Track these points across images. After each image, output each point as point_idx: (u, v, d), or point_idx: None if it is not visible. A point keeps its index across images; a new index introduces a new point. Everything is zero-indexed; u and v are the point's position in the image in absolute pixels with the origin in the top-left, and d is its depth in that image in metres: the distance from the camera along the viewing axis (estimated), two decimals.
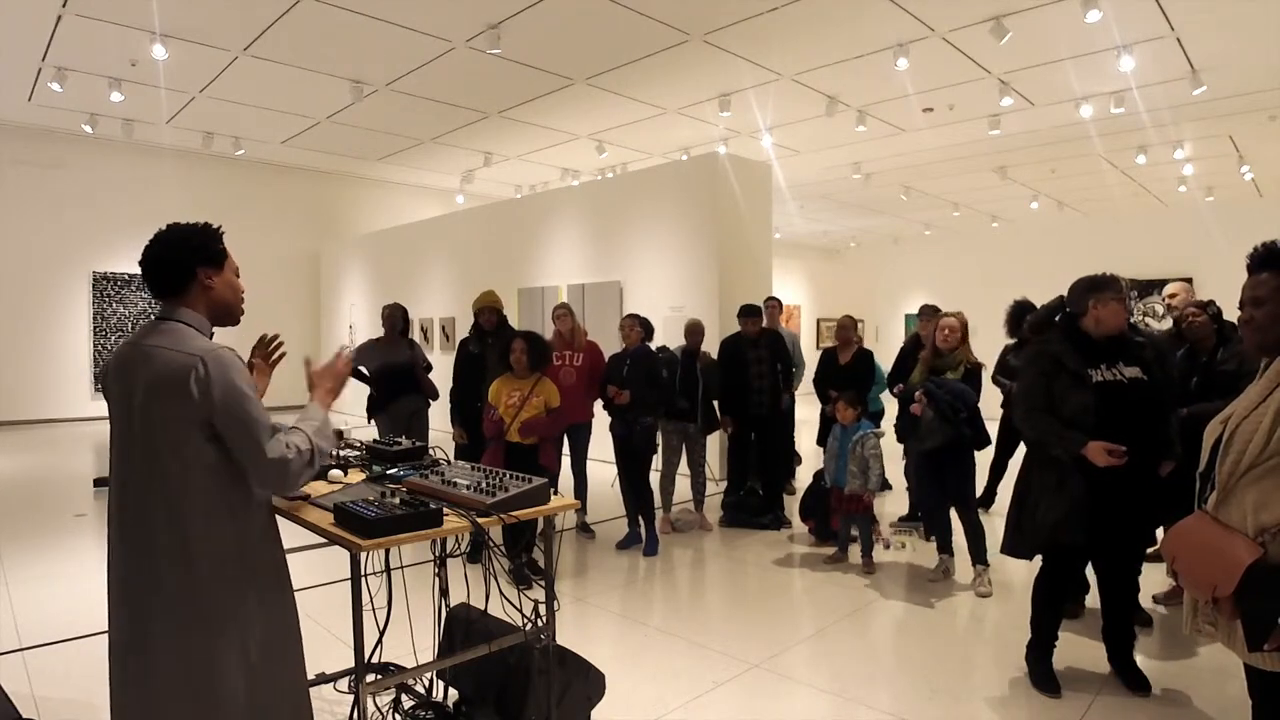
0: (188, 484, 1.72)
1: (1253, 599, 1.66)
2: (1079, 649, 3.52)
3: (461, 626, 2.82)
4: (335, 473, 2.55)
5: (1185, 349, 4.09)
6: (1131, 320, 3.61)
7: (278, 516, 2.26)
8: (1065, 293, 4.05)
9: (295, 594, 1.97)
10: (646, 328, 5.50)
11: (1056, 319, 4.20)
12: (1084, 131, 10.31)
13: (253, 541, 1.82)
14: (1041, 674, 3.19)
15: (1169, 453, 3.09)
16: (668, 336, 6.86)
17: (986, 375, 4.84)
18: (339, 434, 3.21)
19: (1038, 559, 3.26)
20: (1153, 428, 3.03)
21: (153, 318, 1.87)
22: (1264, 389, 1.81)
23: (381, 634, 2.52)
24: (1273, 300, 1.85)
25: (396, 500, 2.13)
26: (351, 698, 2.38)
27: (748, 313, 5.98)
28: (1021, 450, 5.97)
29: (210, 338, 1.86)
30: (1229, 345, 3.86)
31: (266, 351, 2.26)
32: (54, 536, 5.51)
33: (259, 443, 1.71)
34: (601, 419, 5.52)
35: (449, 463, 2.84)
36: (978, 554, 4.43)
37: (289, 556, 3.13)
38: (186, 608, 1.73)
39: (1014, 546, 3.29)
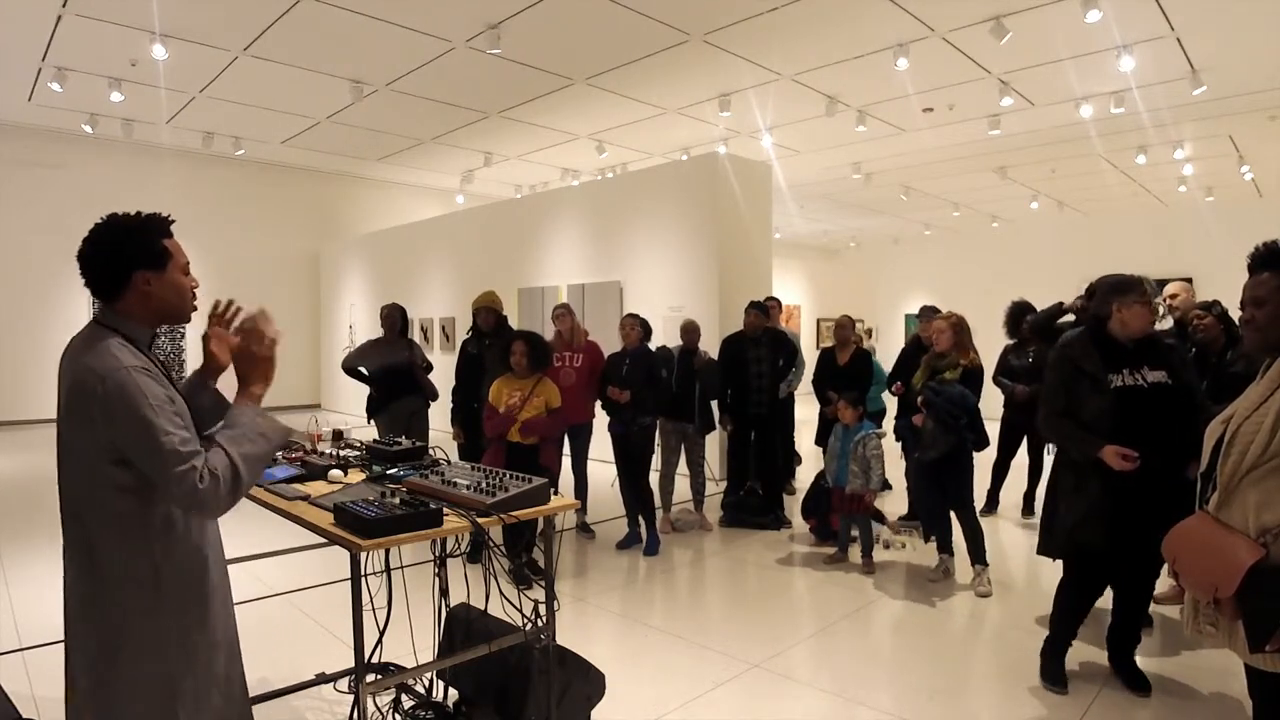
0: (100, 505, 1.62)
1: (1254, 600, 1.66)
2: (1079, 649, 3.50)
3: (461, 626, 2.81)
4: (335, 473, 2.55)
5: (1193, 352, 4.07)
6: None
7: (282, 514, 2.26)
8: (1063, 297, 4.08)
9: (235, 610, 1.89)
10: (645, 328, 5.50)
11: (1056, 322, 4.21)
12: (1084, 131, 10.30)
13: (176, 564, 1.69)
14: (1052, 671, 3.22)
15: (1197, 456, 3.04)
16: (668, 336, 6.86)
17: (988, 377, 4.83)
18: (338, 434, 3.20)
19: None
20: (1177, 432, 2.98)
21: (93, 319, 1.72)
22: (1265, 390, 1.81)
23: (381, 634, 2.51)
24: (1273, 300, 1.86)
25: (396, 500, 2.13)
26: (351, 698, 2.37)
27: (755, 306, 5.96)
28: (1024, 451, 6.00)
29: (152, 339, 1.76)
30: (1238, 346, 3.81)
31: (224, 320, 2.00)
32: (54, 536, 5.47)
33: (160, 473, 1.57)
34: (602, 419, 5.53)
35: (449, 463, 2.83)
36: (977, 554, 4.43)
37: (289, 557, 3.14)
38: (103, 634, 1.63)
39: (1044, 546, 3.35)
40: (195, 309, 1.79)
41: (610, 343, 5.82)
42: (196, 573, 1.74)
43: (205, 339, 1.94)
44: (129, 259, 1.67)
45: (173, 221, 1.77)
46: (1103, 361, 3.05)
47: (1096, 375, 3.03)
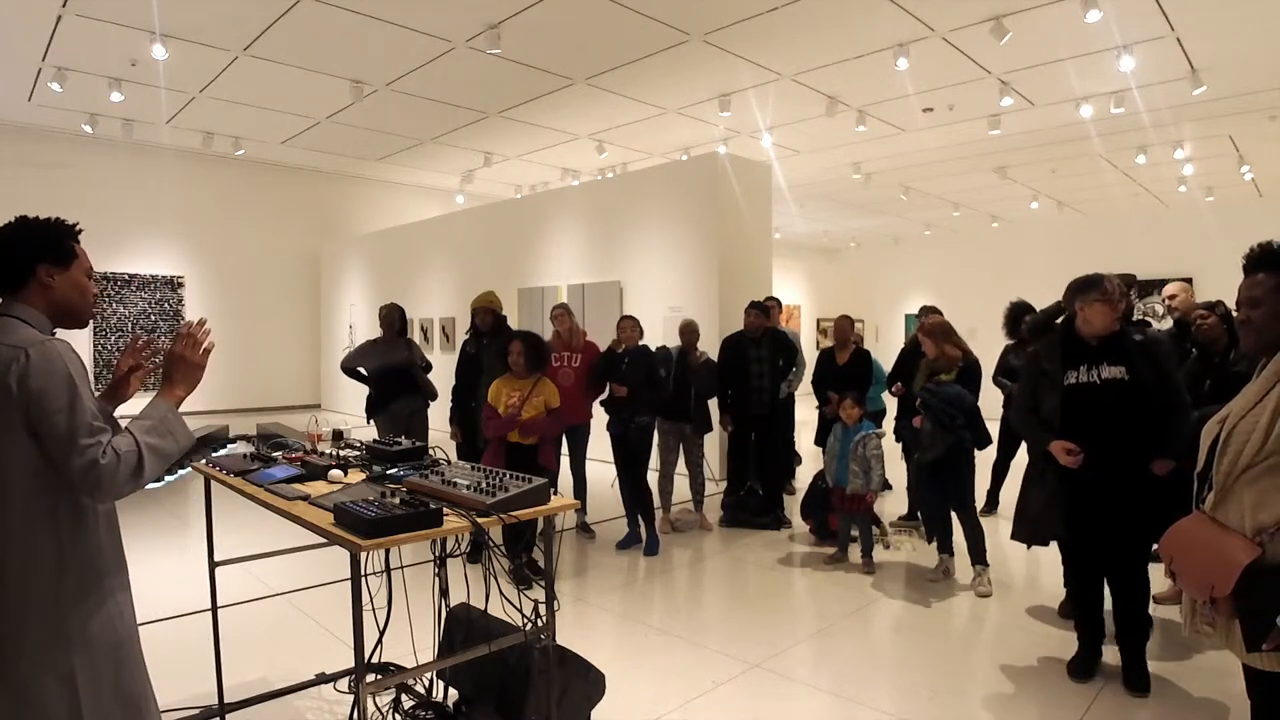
0: (6, 487, 1.58)
1: (1250, 599, 1.66)
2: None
3: (461, 626, 2.82)
4: (335, 473, 2.55)
5: (1197, 352, 4.07)
6: (1137, 318, 3.66)
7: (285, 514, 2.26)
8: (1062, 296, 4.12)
9: (134, 607, 1.86)
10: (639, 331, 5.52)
11: (1056, 322, 4.24)
12: (1084, 131, 10.29)
13: (82, 553, 1.67)
14: (1071, 662, 3.32)
15: (1166, 452, 3.07)
16: (668, 337, 6.87)
17: (986, 374, 4.83)
18: (338, 434, 3.21)
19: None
20: (1131, 427, 3.04)
21: None
22: (1261, 388, 1.81)
23: (381, 634, 2.52)
24: (1269, 300, 1.86)
25: (396, 500, 2.13)
26: (351, 698, 2.38)
27: (755, 306, 5.95)
28: (1024, 451, 6.02)
29: (51, 336, 1.72)
30: (1240, 346, 3.83)
31: (141, 355, 2.08)
32: None
33: (67, 442, 1.56)
34: (600, 419, 5.53)
35: (449, 463, 2.84)
36: (977, 554, 4.43)
37: (289, 557, 3.15)
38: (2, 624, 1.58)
39: (1015, 532, 3.65)
40: (94, 315, 1.84)
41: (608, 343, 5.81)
42: (99, 569, 1.72)
43: (127, 369, 2.01)
44: (34, 251, 1.71)
45: (80, 231, 1.81)
46: (1064, 359, 3.19)
47: (1053, 373, 3.20)
